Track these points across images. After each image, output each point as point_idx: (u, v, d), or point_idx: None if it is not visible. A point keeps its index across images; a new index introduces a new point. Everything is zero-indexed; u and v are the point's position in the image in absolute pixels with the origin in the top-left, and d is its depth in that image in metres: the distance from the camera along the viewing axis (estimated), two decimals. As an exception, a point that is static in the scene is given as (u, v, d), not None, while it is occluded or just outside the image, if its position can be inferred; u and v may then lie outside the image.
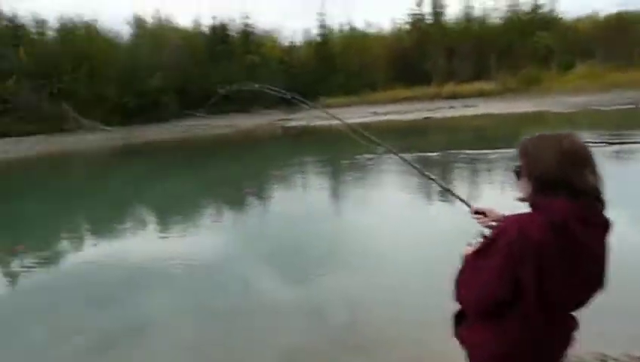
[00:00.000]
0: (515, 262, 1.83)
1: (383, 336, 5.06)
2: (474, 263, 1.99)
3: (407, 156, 3.19)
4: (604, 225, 1.91)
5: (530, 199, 1.95)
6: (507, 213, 2.15)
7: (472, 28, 56.73)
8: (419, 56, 54.35)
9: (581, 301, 1.99)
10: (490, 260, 1.89)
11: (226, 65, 50.25)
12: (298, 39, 63.38)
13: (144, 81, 45.66)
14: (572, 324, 2.04)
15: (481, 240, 2.06)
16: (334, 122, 3.42)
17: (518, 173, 2.01)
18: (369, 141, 3.22)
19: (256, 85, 3.83)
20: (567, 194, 1.83)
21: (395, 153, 3.21)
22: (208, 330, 5.70)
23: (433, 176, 3.12)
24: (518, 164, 2.01)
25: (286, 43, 62.90)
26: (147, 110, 45.11)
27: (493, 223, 2.34)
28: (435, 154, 17.27)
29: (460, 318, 2.15)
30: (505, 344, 1.95)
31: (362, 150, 17.81)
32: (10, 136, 37.42)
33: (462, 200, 2.80)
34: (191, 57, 50.24)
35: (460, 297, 2.04)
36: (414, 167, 3.18)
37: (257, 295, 6.65)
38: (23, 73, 40.96)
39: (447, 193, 3.03)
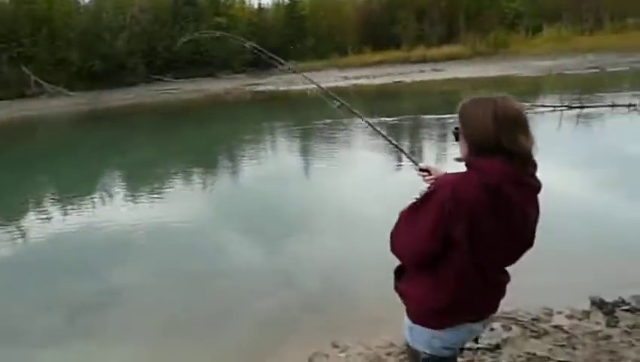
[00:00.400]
0: (446, 219, 1.91)
1: (352, 297, 5.25)
2: (408, 217, 2.07)
3: (372, 120, 3.23)
4: (536, 187, 2.01)
5: (467, 160, 2.02)
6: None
7: (441, -9, 56.34)
8: (388, 20, 54.00)
9: (512, 258, 2.10)
10: (424, 215, 1.98)
11: (193, 28, 49.11)
12: (267, 1, 62.09)
13: (109, 44, 44.48)
14: (504, 279, 2.17)
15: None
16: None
17: (457, 135, 2.09)
18: (344, 108, 3.25)
19: (218, 33, 3.70)
20: (501, 157, 1.89)
21: (362, 118, 3.26)
22: (181, 295, 5.82)
23: (383, 132, 3.18)
24: (456, 126, 2.08)
25: (255, 5, 61.87)
26: (113, 74, 44.06)
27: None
28: (399, 118, 17.45)
29: (400, 273, 2.25)
30: (440, 299, 2.07)
31: (330, 114, 17.88)
32: (-31, 102, 36.32)
33: (410, 158, 2.85)
34: (156, 19, 48.97)
35: (394, 250, 2.13)
36: (375, 129, 3.23)
37: (229, 259, 6.79)
38: (-21, 36, 39.51)
39: (398, 151, 3.09)
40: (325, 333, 4.48)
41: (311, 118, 18.64)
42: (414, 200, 2.07)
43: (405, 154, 3.01)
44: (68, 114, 32.93)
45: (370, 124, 3.24)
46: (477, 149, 1.96)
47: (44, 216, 9.93)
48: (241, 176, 12.20)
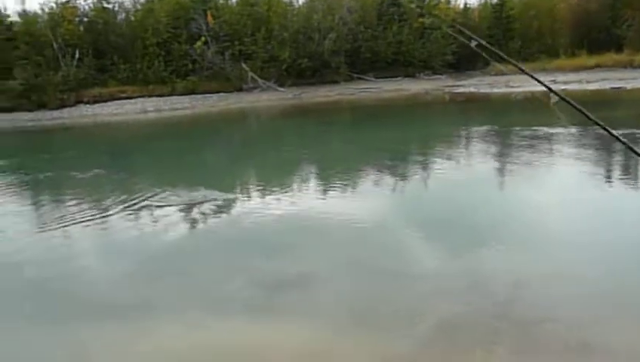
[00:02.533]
0: None
1: (546, 315, 4.81)
2: None
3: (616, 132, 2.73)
4: None
5: None
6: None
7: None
8: (609, 20, 48.77)
9: None
10: None
11: (397, 29, 49.77)
12: (473, 1, 60.21)
13: (317, 44, 47.09)
14: None
15: None
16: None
17: None
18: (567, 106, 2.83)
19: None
20: None
21: (603, 127, 2.81)
22: (365, 289, 5.89)
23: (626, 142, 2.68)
24: None
25: (460, 5, 60.46)
26: (318, 72, 46.63)
27: None
28: (617, 130, 15.59)
29: None
30: None
31: (533, 119, 16.73)
32: (197, 93, 41.30)
33: None
34: (362, 20, 50.53)
35: None
36: (622, 142, 2.74)
37: (416, 259, 6.69)
38: (209, 36, 44.56)
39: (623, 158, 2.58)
40: (529, 352, 4.17)
41: (513, 123, 17.64)
42: None
43: None
44: (276, 107, 35.68)
45: (609, 131, 2.75)
46: None
47: (248, 195, 10.86)
48: (434, 177, 11.97)
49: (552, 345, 4.29)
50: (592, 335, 4.34)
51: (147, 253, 7.63)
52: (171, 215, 9.42)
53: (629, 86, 30.24)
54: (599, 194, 9.20)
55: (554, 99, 2.78)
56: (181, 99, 39.63)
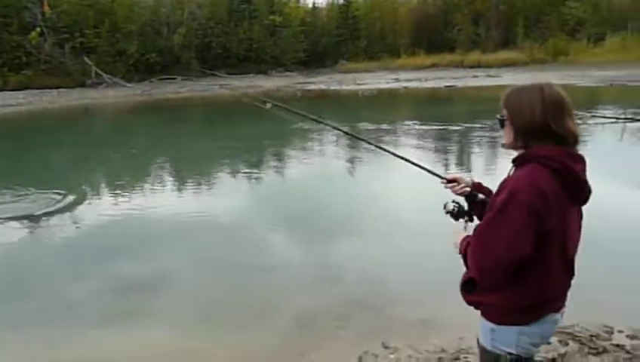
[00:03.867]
0: (537, 218, 1.88)
1: (399, 298, 5.14)
2: (490, 230, 1.98)
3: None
4: (585, 161, 2.02)
5: (513, 146, 2.07)
6: (476, 178, 2.39)
7: (500, -5, 55.09)
8: (443, 24, 53.39)
9: (579, 236, 2.10)
10: (509, 223, 1.91)
11: (248, 25, 49.84)
12: (321, 0, 62.27)
13: (165, 39, 45.55)
14: (573, 261, 2.12)
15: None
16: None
17: (502, 122, 2.10)
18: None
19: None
20: (551, 141, 1.94)
21: (338, 129, 3.15)
22: (224, 285, 5.83)
23: (399, 153, 3.09)
24: (502, 114, 2.09)
25: (309, 4, 62.19)
26: (168, 68, 45.15)
27: (467, 189, 2.46)
28: (447, 124, 17.12)
29: (470, 286, 2.16)
30: (528, 295, 2.02)
31: (380, 116, 17.69)
32: (33, 88, 37.85)
33: (434, 174, 2.77)
34: (212, 16, 49.84)
35: (479, 266, 2.03)
36: (366, 141, 3.14)
37: (272, 253, 6.76)
38: (46, 26, 41.04)
39: (421, 169, 2.93)
40: (374, 333, 4.39)
41: (362, 118, 18.53)
42: (489, 214, 2.01)
43: (429, 170, 2.86)
44: (123, 104, 33.85)
45: (346, 132, 3.12)
46: (524, 136, 2.01)
47: (92, 197, 10.13)
48: (286, 172, 12.19)
49: (397, 325, 4.58)
50: (430, 313, 4.69)
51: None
52: None
53: (460, 84, 33.26)
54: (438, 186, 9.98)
55: (268, 105, 3.09)
56: (15, 94, 35.97)
